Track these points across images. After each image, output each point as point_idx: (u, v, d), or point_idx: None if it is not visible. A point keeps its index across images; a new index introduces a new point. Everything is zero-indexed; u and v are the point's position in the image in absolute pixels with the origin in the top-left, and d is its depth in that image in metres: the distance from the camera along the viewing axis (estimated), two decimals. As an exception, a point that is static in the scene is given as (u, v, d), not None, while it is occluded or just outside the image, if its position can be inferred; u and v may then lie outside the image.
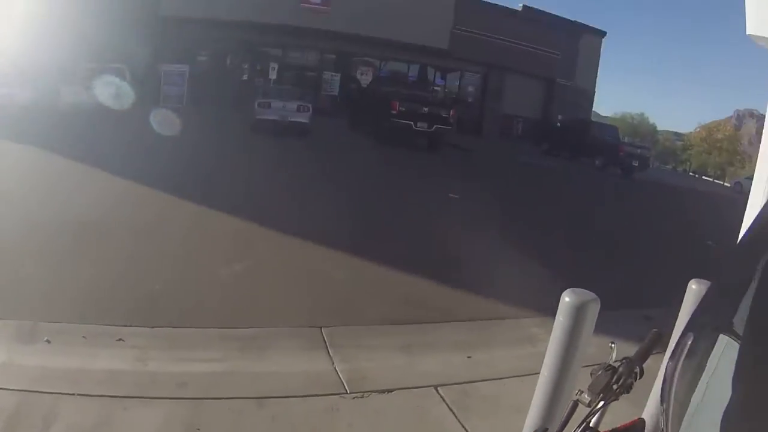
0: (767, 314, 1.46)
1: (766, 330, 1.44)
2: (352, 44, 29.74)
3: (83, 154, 12.14)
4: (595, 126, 31.77)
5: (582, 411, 1.51)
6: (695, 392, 1.57)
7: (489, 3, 32.98)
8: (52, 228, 7.27)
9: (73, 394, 3.83)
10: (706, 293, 1.79)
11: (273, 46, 30.52)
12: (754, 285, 1.53)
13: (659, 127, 68.11)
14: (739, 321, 1.53)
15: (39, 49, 23.21)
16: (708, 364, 1.57)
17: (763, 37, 2.56)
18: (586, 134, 28.75)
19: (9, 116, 17.48)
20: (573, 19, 37.22)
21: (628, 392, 1.58)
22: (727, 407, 1.42)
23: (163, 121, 18.02)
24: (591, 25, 37.70)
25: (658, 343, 1.80)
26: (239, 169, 13.44)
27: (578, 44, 35.71)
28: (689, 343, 1.64)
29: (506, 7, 34.51)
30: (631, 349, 1.70)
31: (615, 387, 1.55)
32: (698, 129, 58.00)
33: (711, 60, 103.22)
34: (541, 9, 35.70)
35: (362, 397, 4.39)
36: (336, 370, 4.74)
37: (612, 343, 1.69)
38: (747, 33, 2.63)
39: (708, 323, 1.66)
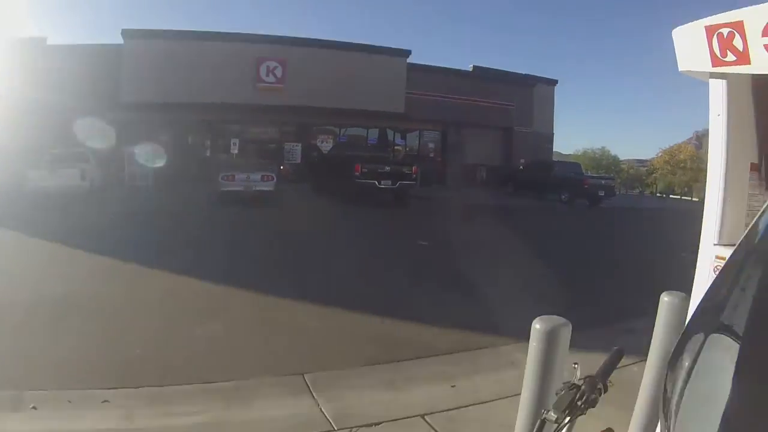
0: (767, 315, 1.52)
1: (766, 330, 1.48)
2: (310, 116, 30.81)
3: (58, 234, 12.15)
4: (558, 165, 32.90)
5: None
6: (695, 391, 1.59)
7: (440, 67, 34.56)
8: (31, 303, 7.34)
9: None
10: (705, 295, 1.83)
11: (233, 122, 31.44)
12: (754, 287, 1.60)
13: (622, 157, 69.60)
14: (739, 322, 1.60)
15: (2, 135, 23.36)
16: (708, 364, 1.60)
17: (694, 71, 2.86)
18: (550, 173, 29.78)
19: None
20: (524, 73, 38.64)
21: (593, 407, 1.68)
22: (726, 406, 1.44)
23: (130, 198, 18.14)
24: (542, 75, 39.10)
25: (620, 359, 1.92)
26: (209, 239, 13.50)
27: (532, 94, 37.09)
28: (689, 343, 1.71)
29: (457, 69, 36.06)
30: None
31: (580, 403, 1.65)
32: (660, 153, 58.92)
33: (663, 88, 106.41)
34: (490, 67, 37.10)
35: None
36: (321, 411, 4.86)
37: (575, 363, 1.81)
38: (679, 70, 2.93)
39: (708, 324, 1.71)
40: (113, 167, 25.71)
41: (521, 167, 33.13)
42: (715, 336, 1.62)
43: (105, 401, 4.80)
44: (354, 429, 4.54)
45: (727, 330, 1.59)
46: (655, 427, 3.77)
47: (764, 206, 1.73)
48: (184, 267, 9.85)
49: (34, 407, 4.60)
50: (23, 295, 7.62)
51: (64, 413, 4.57)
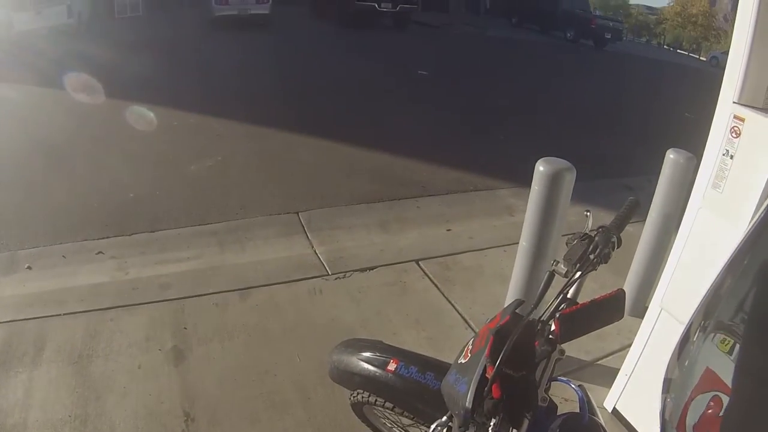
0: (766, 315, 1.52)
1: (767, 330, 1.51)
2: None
3: (50, 78, 11.72)
4: None
5: (560, 281, 1.46)
6: (697, 388, 1.64)
7: None
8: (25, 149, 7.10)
9: (60, 315, 3.87)
10: (706, 295, 1.80)
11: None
12: (753, 287, 1.64)
13: (631, 1, 65.43)
14: (739, 322, 1.63)
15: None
16: (709, 362, 1.64)
17: None
18: (557, 6, 27.78)
19: None
20: None
21: (605, 262, 1.53)
22: (728, 404, 1.49)
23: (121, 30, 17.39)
24: None
25: (636, 210, 1.76)
26: (206, 66, 13.02)
27: None
28: (690, 342, 1.74)
29: None
30: (609, 219, 1.66)
31: (592, 257, 1.50)
32: (672, 3, 55.49)
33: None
34: None
35: (344, 277, 4.44)
36: (316, 253, 4.76)
37: (587, 211, 1.63)
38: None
39: (709, 323, 1.73)
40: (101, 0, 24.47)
41: None
42: (716, 335, 1.67)
43: (99, 252, 4.73)
44: (348, 273, 4.46)
45: (728, 329, 1.64)
46: (651, 287, 3.68)
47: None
48: (178, 100, 9.52)
49: (28, 267, 4.54)
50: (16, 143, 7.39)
51: (58, 270, 4.50)
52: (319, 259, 4.68)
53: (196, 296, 4.16)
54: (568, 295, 1.45)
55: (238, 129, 8.26)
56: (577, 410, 1.46)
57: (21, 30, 18.81)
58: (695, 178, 2.52)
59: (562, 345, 1.35)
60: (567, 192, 3.08)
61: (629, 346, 3.05)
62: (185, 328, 3.76)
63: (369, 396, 1.95)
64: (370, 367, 1.92)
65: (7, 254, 4.73)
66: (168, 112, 8.84)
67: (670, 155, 3.62)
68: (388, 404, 1.92)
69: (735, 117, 2.25)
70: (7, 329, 3.69)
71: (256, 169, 6.73)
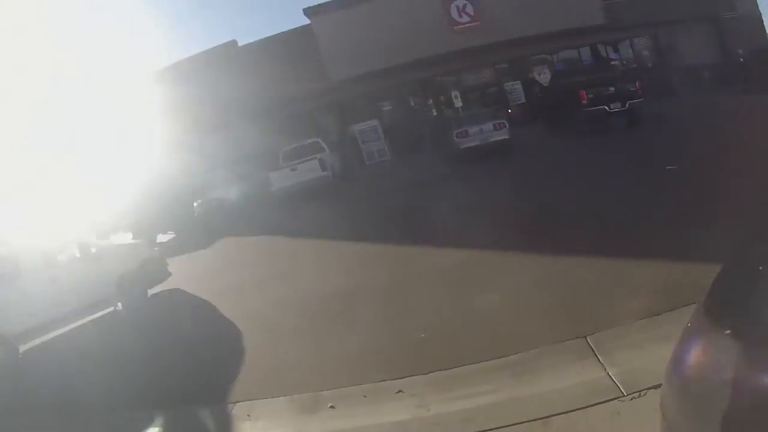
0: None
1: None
2: (516, 48, 28.79)
3: (327, 229, 12.67)
4: None
5: None
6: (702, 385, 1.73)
7: None
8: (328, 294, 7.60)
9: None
10: (707, 295, 1.95)
11: (447, 74, 30.31)
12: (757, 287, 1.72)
13: None
14: (741, 321, 1.69)
15: (237, 148, 25.25)
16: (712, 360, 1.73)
17: None
18: None
19: (231, 215, 19.29)
20: None
21: None
22: (729, 402, 1.55)
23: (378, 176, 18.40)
24: None
25: None
26: (469, 203, 13.05)
27: None
28: (696, 341, 1.85)
29: None
30: None
31: None
32: None
33: None
34: None
35: (640, 396, 4.14)
36: (609, 375, 4.50)
37: None
38: None
39: (713, 323, 1.81)
40: (348, 150, 26.54)
41: (741, 59, 28.93)
42: (720, 333, 1.73)
43: (399, 391, 4.78)
44: (643, 392, 4.15)
45: (731, 327, 1.70)
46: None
47: None
48: (436, 234, 9.71)
49: (331, 406, 4.71)
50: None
51: (361, 409, 4.61)
52: (613, 380, 4.40)
53: (498, 428, 4.06)
54: None
55: (514, 259, 8.04)
56: None
57: (279, 187, 20.69)
58: None
59: None
60: None
61: None
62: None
63: None
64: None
65: (311, 395, 4.94)
66: (430, 250, 9.02)
67: None
68: None
69: None
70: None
71: (536, 297, 6.46)
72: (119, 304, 10.18)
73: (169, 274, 11.33)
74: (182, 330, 8.44)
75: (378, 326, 6.44)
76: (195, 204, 21.71)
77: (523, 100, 29.15)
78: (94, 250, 10.30)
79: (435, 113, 30.02)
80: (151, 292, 10.82)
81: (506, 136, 19.45)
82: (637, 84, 20.70)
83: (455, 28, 28.02)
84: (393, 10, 27.76)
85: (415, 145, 25.95)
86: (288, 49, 28.30)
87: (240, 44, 30.20)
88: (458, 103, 26.55)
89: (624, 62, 31.80)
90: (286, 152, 22.56)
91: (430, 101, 30.41)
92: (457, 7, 28.07)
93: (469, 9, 27.99)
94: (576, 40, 29.95)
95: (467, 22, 28.08)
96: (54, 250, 10.02)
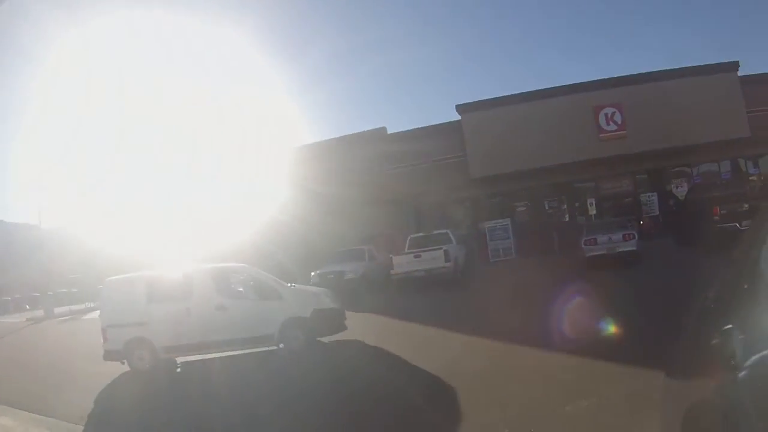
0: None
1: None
2: (658, 159, 28.21)
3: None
4: None
5: None
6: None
7: None
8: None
9: None
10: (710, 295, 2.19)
11: (585, 180, 30.09)
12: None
13: None
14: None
15: (366, 228, 25.78)
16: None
17: None
18: None
19: (345, 290, 19.56)
20: None
21: None
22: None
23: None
24: None
25: None
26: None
27: None
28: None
29: None
30: None
31: None
32: None
33: None
34: None
35: None
36: None
37: None
38: None
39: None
40: (475, 245, 26.49)
41: None
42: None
43: None
44: None
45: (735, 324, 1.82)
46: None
47: None
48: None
49: None
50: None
51: None
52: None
53: None
54: None
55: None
56: None
57: (399, 271, 20.98)
58: None
59: None
60: None
61: None
62: None
63: None
64: None
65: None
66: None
67: None
68: None
69: None
70: None
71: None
72: (281, 344, 11.51)
73: (345, 328, 12.15)
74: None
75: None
76: (312, 274, 22.15)
77: (657, 212, 28.39)
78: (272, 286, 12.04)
79: (567, 218, 29.68)
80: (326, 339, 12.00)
81: (634, 248, 19.11)
82: None
83: (601, 135, 27.51)
84: (542, 113, 27.76)
85: (543, 248, 25.71)
86: (434, 141, 28.96)
87: (389, 131, 31.08)
88: (592, 210, 26.08)
89: (763, 178, 29.99)
90: (414, 239, 23.13)
91: (565, 206, 30.12)
92: (606, 115, 27.60)
93: (617, 117, 27.50)
94: (717, 153, 28.68)
95: (614, 131, 27.53)
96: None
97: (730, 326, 1.84)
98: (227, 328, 11.40)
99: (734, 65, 27.92)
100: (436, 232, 23.24)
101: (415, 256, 21.39)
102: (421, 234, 23.42)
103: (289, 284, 12.65)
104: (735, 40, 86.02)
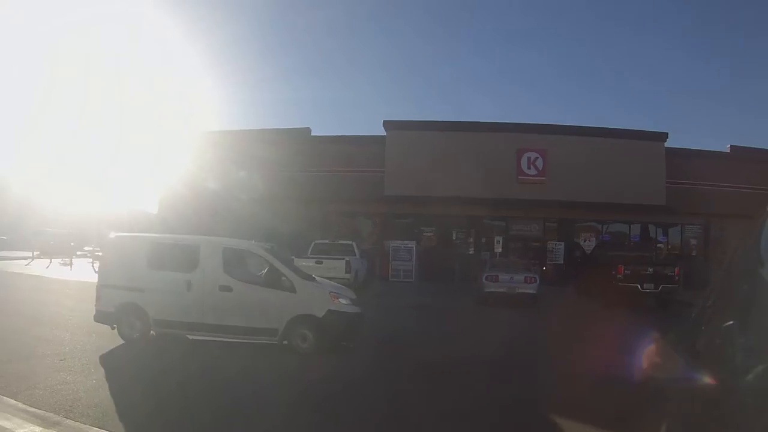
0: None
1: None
2: (571, 211, 28.89)
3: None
4: None
5: None
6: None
7: (696, 150, 30.97)
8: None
9: None
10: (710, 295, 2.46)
11: (495, 218, 30.41)
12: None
13: None
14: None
15: (273, 225, 25.18)
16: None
17: None
18: None
19: None
20: None
21: None
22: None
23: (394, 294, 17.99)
24: None
25: None
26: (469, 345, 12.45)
27: None
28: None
29: (714, 151, 31.91)
30: None
31: None
32: None
33: None
34: (748, 146, 32.13)
35: None
36: None
37: None
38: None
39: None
40: (377, 261, 26.25)
41: None
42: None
43: None
44: None
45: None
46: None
47: None
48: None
49: None
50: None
51: None
52: None
53: None
54: None
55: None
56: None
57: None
58: None
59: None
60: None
61: None
62: None
63: None
64: None
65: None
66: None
67: None
68: None
69: None
70: None
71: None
72: (284, 341, 10.37)
73: (360, 335, 11.20)
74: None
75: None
76: None
77: (561, 261, 28.98)
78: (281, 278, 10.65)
79: (472, 251, 29.79)
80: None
81: (534, 291, 19.38)
82: (675, 270, 20.84)
83: (520, 177, 27.99)
84: (467, 145, 28.01)
85: (443, 275, 25.93)
86: (356, 151, 28.85)
87: (313, 134, 30.66)
88: (498, 248, 26.10)
89: (670, 247, 31.86)
90: (318, 245, 22.87)
91: (472, 239, 30.22)
92: (528, 159, 28.08)
93: (539, 163, 28.03)
94: (630, 215, 29.96)
95: (534, 175, 28.06)
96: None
97: (730, 323, 1.84)
98: (228, 312, 10.38)
99: (663, 136, 29.36)
100: (341, 241, 23.07)
101: (317, 262, 21.01)
102: (326, 241, 23.00)
103: (309, 277, 11.24)
104: (666, 113, 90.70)
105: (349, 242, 22.98)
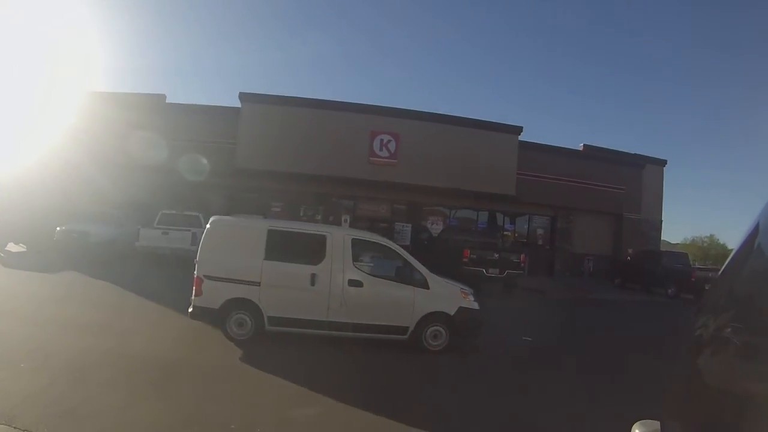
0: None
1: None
2: (420, 194, 29.96)
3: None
4: (665, 255, 29.98)
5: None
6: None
7: (551, 146, 32.95)
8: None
9: None
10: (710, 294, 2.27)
11: (345, 197, 30.98)
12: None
13: (731, 245, 65.46)
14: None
15: (122, 192, 24.28)
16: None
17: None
18: (657, 264, 27.45)
19: (89, 252, 19.44)
20: (634, 152, 36.41)
21: None
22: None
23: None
24: (651, 155, 36.52)
25: None
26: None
27: (641, 176, 34.80)
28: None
29: (567, 148, 34.27)
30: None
31: None
32: None
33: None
34: (601, 146, 35.27)
35: None
36: None
37: None
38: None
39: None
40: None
41: (628, 258, 31.10)
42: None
43: None
44: None
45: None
46: None
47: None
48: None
49: None
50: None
51: None
52: None
53: None
54: None
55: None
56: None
57: (145, 245, 20.31)
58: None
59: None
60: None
61: None
62: None
63: None
64: None
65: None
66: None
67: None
68: None
69: None
70: None
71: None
72: (414, 340, 10.01)
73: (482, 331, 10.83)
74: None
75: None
76: (57, 229, 20.79)
77: (408, 243, 29.10)
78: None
79: (319, 228, 29.62)
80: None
81: None
82: (521, 257, 21.89)
83: (371, 158, 28.27)
84: (321, 123, 28.06)
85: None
86: (210, 121, 28.37)
87: (168, 101, 29.77)
88: (345, 227, 26.36)
89: (516, 235, 33.65)
90: (165, 215, 22.28)
91: (319, 216, 30.37)
92: (381, 141, 28.44)
93: (392, 146, 28.41)
94: (480, 203, 31.44)
95: (386, 157, 28.38)
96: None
97: (729, 327, 1.87)
98: (356, 309, 9.70)
99: (518, 129, 30.51)
100: (188, 213, 22.45)
101: (163, 233, 20.91)
102: (173, 212, 22.31)
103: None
104: (522, 109, 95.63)
105: (196, 214, 22.45)
